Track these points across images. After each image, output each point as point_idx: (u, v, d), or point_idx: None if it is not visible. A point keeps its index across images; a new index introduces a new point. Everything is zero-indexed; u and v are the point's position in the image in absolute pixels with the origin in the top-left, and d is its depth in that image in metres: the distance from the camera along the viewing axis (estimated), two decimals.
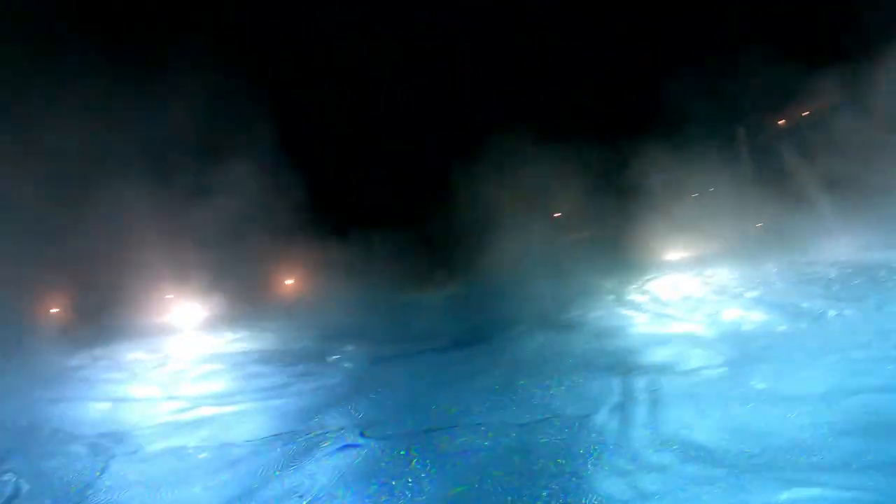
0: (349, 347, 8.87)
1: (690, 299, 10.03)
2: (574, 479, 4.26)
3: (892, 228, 12.23)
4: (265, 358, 8.75)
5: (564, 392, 5.93)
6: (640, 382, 6.02)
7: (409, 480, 4.48)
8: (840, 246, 12.33)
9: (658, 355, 6.98)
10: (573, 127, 16.63)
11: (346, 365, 8.10)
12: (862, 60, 13.66)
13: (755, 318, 8.23)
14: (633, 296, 10.71)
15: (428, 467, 4.67)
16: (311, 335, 9.99)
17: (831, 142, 13.89)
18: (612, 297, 10.76)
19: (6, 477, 5.19)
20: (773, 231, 13.96)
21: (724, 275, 11.78)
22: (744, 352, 6.72)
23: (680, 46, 18.12)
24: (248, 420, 6.15)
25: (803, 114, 16.64)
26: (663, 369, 6.39)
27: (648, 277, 12.26)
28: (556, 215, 16.87)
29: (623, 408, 5.39)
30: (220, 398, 6.99)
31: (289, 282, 14.26)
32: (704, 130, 15.17)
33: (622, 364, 6.67)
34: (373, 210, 17.64)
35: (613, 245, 14.01)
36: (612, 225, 14.66)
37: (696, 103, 14.62)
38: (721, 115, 15.63)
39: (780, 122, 17.20)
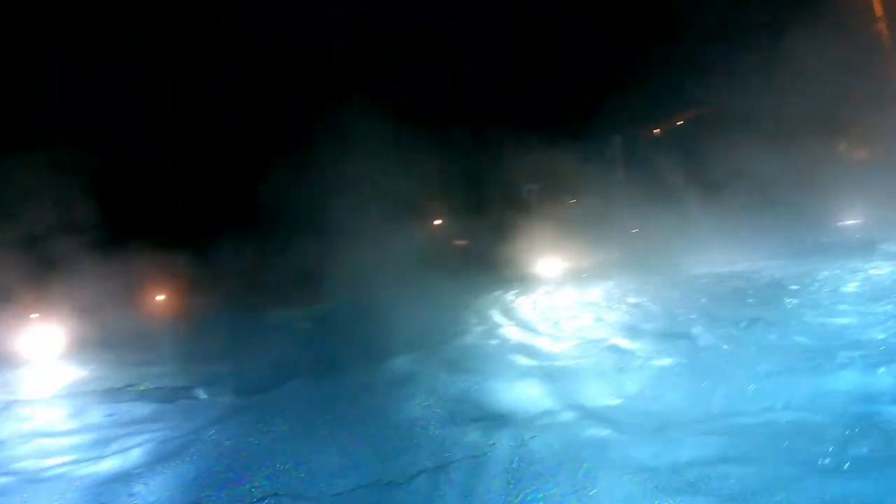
0: (201, 386, 7.76)
1: (563, 320, 9.61)
2: None
3: (764, 240, 12.55)
4: (100, 398, 7.59)
5: (400, 447, 5.28)
6: (487, 433, 5.31)
7: None
8: (715, 257, 12.49)
9: (516, 397, 6.29)
10: (454, 128, 16.39)
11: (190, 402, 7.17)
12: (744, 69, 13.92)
13: (628, 344, 7.69)
14: (502, 316, 10.35)
15: None
16: (159, 366, 8.93)
17: (710, 150, 14.10)
18: (481, 316, 10.44)
19: None
20: (650, 239, 14.04)
21: (599, 290, 11.67)
22: (617, 388, 6.15)
23: (562, 50, 18.11)
24: None
25: (679, 123, 16.86)
26: (514, 416, 5.71)
27: (523, 292, 12.07)
28: (436, 222, 16.84)
29: (449, 470, 4.78)
30: None
31: (160, 297, 13.43)
32: (587, 135, 15.26)
33: (466, 409, 6.01)
34: (236, 219, 15.91)
35: (491, 254, 14.02)
36: (492, 232, 14.72)
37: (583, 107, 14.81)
38: (605, 121, 15.75)
39: (655, 131, 17.41)
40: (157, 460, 5.42)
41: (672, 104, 16.70)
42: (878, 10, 14.50)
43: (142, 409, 7.00)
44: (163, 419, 6.61)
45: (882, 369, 5.46)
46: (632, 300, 10.39)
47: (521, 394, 6.35)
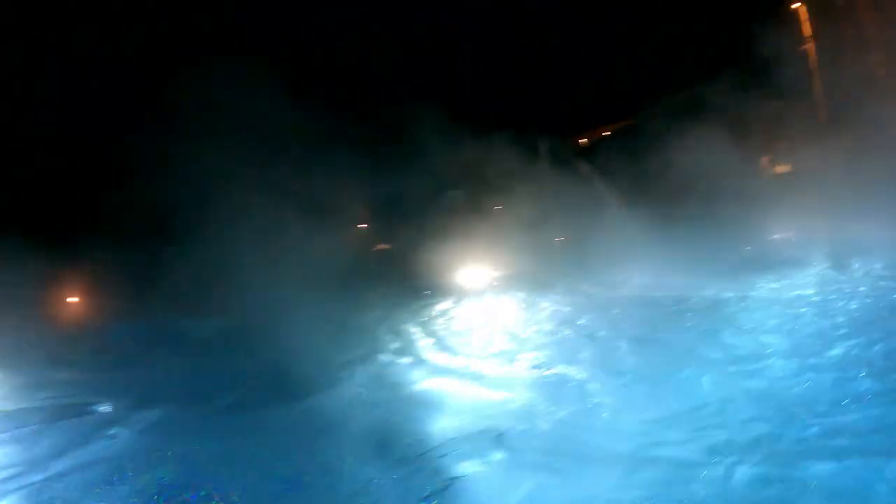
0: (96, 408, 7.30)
1: (458, 345, 8.99)
2: None
3: (694, 254, 12.10)
4: None
5: None
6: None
7: None
8: (638, 271, 12.16)
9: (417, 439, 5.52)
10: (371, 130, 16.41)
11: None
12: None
13: (540, 378, 7.01)
14: (396, 341, 9.73)
15: None
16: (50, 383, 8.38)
17: (641, 161, 14.11)
18: (388, 338, 9.88)
19: None
20: (576, 249, 14.02)
21: (518, 306, 11.22)
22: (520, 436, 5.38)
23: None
24: None
25: (605, 133, 16.87)
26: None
27: (436, 307, 11.65)
28: (361, 226, 17.07)
29: None
30: None
31: (72, 300, 12.98)
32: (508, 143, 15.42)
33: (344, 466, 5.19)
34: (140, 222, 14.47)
35: (412, 260, 13.99)
36: (415, 238, 14.69)
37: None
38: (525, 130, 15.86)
39: (581, 140, 17.46)
40: None
41: (603, 114, 16.90)
42: (807, 30, 14.63)
43: None
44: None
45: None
46: (538, 322, 9.74)
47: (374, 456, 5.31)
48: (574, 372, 6.95)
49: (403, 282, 13.68)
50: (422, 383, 7.50)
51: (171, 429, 6.46)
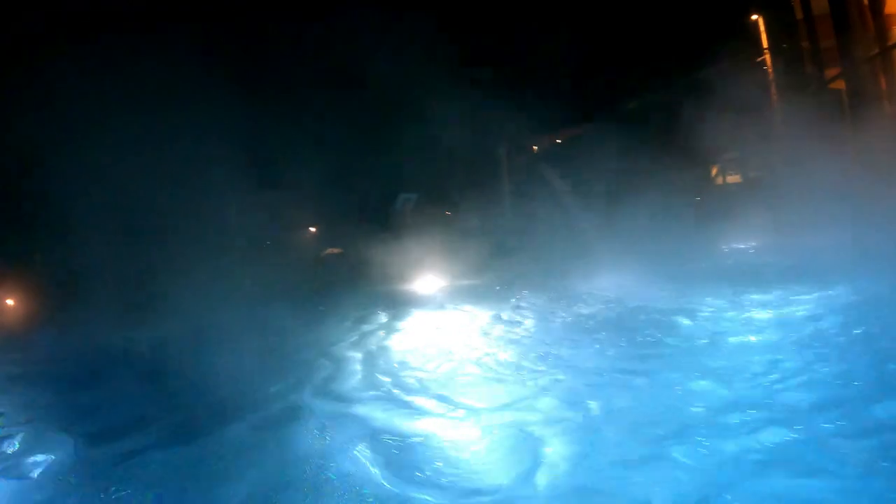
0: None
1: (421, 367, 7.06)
2: None
3: (652, 264, 11.67)
4: None
5: None
6: None
7: None
8: (595, 281, 11.35)
9: None
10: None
11: None
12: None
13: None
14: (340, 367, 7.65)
15: None
16: None
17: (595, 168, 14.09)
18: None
19: None
20: (528, 258, 13.75)
21: (459, 326, 9.37)
22: None
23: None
24: None
25: (558, 140, 17.03)
26: None
27: (373, 322, 10.16)
28: (311, 230, 16.63)
29: None
30: None
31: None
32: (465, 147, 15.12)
33: None
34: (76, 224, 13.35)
35: (361, 266, 13.42)
36: (366, 242, 14.08)
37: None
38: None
39: (534, 147, 17.60)
40: None
41: (558, 121, 16.85)
42: (765, 41, 14.82)
43: None
44: None
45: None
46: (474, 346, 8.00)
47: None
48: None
49: (347, 290, 12.82)
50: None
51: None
